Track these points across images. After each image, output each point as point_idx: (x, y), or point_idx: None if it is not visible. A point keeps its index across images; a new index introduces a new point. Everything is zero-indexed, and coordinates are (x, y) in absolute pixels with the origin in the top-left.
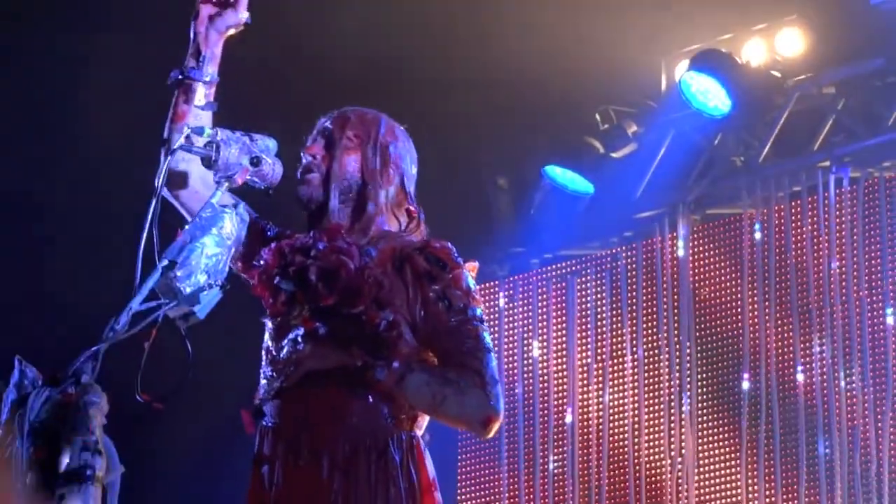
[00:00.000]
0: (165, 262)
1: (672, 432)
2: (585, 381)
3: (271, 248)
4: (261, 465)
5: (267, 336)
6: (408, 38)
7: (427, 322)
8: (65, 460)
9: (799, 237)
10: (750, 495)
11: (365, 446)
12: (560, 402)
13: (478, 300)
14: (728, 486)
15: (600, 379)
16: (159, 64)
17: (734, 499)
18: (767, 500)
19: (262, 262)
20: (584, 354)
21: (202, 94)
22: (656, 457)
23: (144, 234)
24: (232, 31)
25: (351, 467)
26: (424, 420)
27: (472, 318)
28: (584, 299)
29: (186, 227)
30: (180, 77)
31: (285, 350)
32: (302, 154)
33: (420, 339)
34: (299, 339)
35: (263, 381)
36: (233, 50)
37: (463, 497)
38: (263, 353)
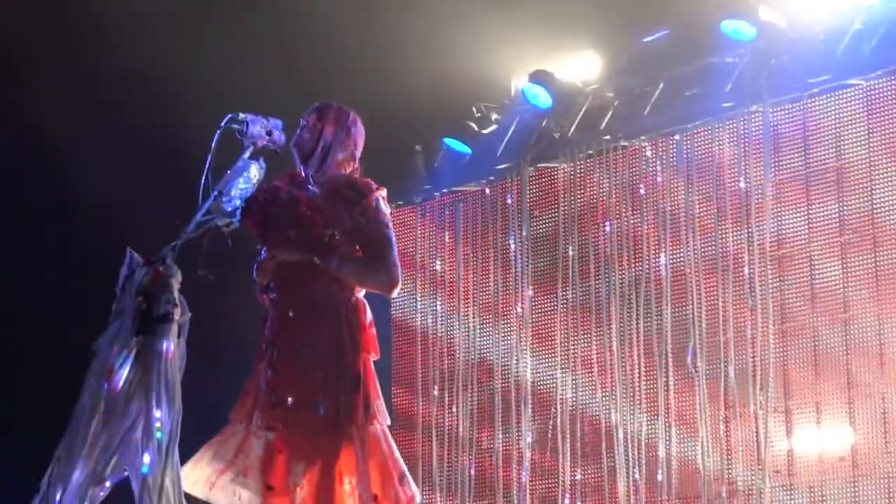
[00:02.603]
0: (216, 193)
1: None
2: (466, 274)
3: (254, 196)
4: (265, 320)
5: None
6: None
7: (354, 229)
8: (157, 309)
9: (590, 183)
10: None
11: (324, 307)
12: (450, 286)
13: (384, 212)
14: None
15: (474, 274)
16: None
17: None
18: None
19: (248, 204)
20: (466, 255)
21: None
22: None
23: (203, 178)
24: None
25: (315, 318)
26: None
27: (381, 224)
28: (466, 217)
29: (228, 171)
30: None
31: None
32: (301, 119)
33: (351, 240)
34: (277, 245)
35: (256, 270)
36: None
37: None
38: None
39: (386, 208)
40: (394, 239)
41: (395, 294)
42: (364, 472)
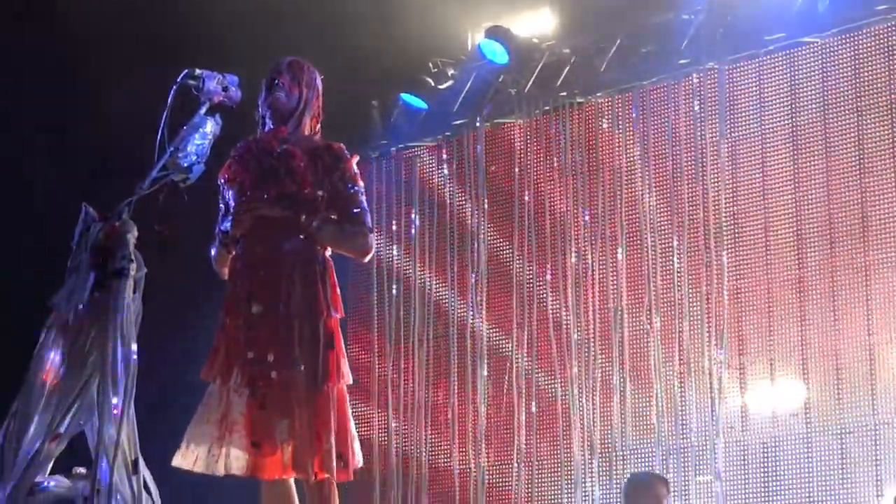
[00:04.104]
0: (172, 149)
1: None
2: (421, 230)
3: (245, 145)
4: (234, 277)
5: (230, 196)
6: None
7: (332, 194)
8: (112, 265)
9: (547, 138)
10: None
11: (298, 263)
12: (406, 242)
13: (359, 178)
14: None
15: (429, 229)
16: None
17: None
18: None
19: (239, 154)
20: (423, 206)
21: None
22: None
23: (160, 133)
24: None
25: (290, 276)
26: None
27: (358, 192)
28: (422, 173)
29: (185, 127)
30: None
31: (250, 202)
32: (275, 78)
33: (328, 203)
34: (263, 198)
35: (231, 221)
36: None
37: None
38: (228, 205)
39: (359, 174)
40: (367, 205)
41: (367, 260)
42: (335, 430)
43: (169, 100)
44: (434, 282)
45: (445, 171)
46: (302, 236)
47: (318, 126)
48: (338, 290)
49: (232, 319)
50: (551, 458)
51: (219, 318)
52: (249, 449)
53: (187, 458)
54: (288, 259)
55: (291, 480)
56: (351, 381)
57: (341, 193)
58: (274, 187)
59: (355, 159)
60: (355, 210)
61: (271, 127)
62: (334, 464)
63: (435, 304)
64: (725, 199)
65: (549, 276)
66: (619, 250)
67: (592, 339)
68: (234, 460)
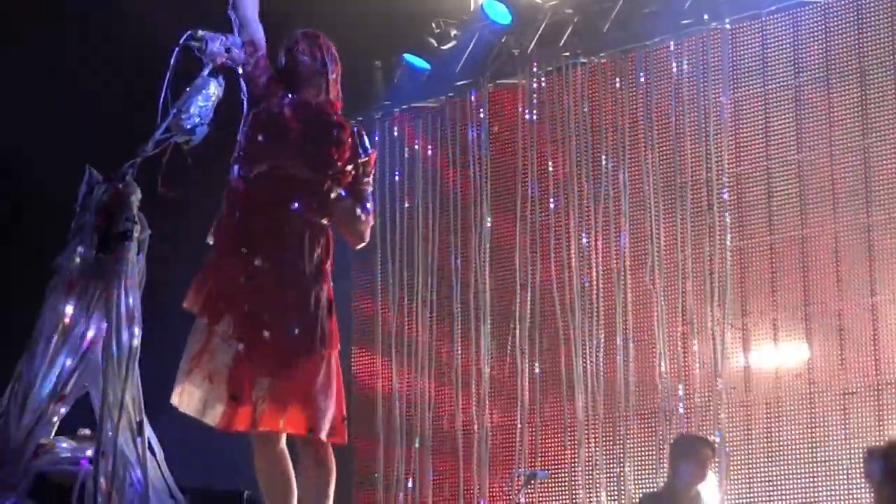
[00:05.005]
0: (175, 111)
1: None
2: (425, 191)
3: (299, 103)
4: (232, 221)
5: (249, 125)
6: None
7: (353, 175)
8: (116, 227)
9: (551, 100)
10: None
11: (301, 225)
12: (409, 203)
13: (373, 169)
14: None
15: (433, 191)
16: None
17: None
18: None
19: (287, 109)
20: (426, 166)
21: None
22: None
23: (163, 95)
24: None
25: (292, 235)
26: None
27: (370, 181)
28: (425, 134)
29: (188, 89)
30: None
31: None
32: (292, 47)
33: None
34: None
35: (249, 163)
36: None
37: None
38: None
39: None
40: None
41: (359, 248)
42: (335, 392)
43: (171, 61)
44: (437, 241)
45: (448, 132)
46: (306, 202)
47: (339, 93)
48: (331, 259)
49: (228, 263)
50: (554, 418)
51: (210, 254)
52: (228, 401)
53: (174, 396)
54: (292, 219)
55: (283, 442)
56: (339, 348)
57: (359, 181)
58: (314, 165)
59: (375, 153)
60: (366, 198)
61: (293, 94)
62: (345, 428)
63: (438, 263)
64: (728, 159)
65: (552, 236)
66: (622, 210)
67: (596, 299)
68: (211, 410)
